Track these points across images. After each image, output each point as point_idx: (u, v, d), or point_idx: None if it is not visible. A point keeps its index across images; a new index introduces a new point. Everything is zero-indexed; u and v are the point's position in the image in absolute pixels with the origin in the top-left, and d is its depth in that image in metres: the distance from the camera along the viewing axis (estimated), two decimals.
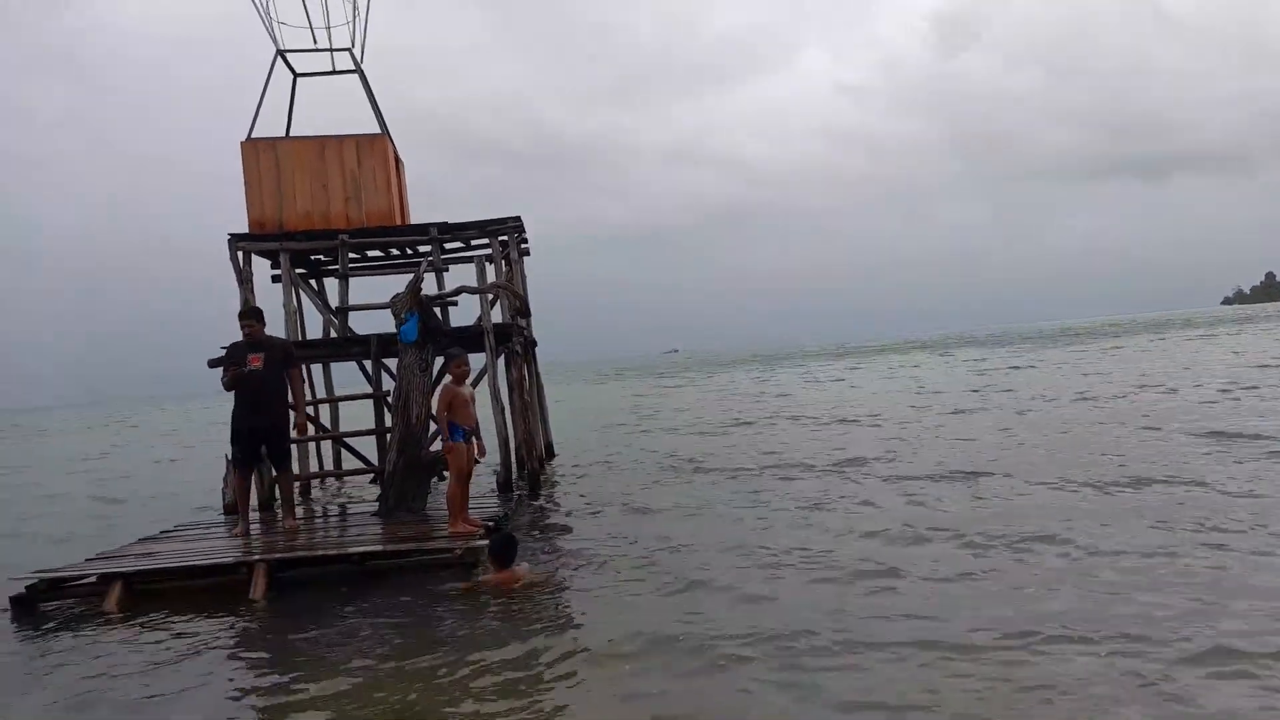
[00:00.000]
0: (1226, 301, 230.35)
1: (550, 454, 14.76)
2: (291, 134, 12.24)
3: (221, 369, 8.49)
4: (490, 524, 8.46)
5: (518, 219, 11.90)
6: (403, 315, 9.35)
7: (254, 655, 5.66)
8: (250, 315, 8.67)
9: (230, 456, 8.84)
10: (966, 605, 5.28)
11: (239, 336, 8.58)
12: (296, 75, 12.63)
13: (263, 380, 8.36)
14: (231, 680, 5.14)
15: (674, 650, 4.86)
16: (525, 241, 13.06)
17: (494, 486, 10.94)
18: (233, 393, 8.41)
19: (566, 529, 8.98)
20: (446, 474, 12.75)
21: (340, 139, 11.72)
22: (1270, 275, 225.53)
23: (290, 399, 8.68)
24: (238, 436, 8.51)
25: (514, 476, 11.22)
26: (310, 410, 12.05)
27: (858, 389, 29.08)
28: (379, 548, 7.71)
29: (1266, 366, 22.21)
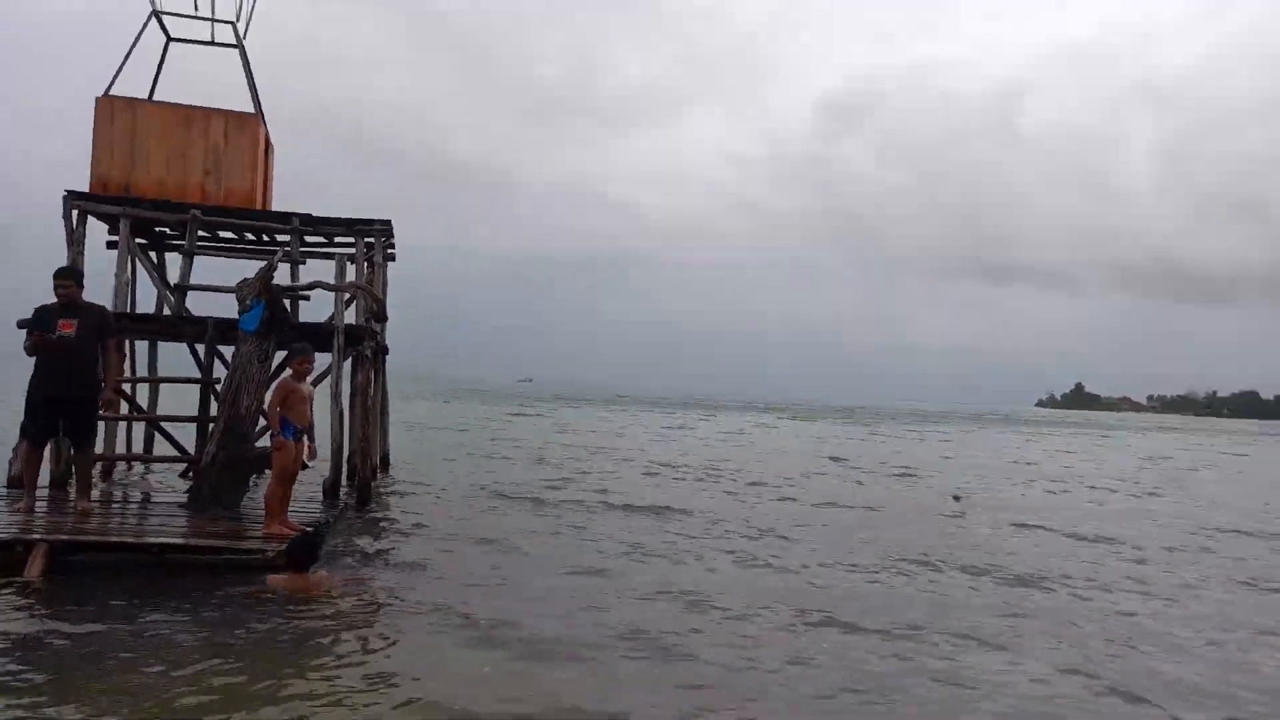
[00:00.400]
0: (1040, 404, 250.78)
1: (385, 466, 14.31)
2: (156, 99, 11.56)
3: (26, 332, 7.78)
4: (309, 529, 8.11)
5: (387, 222, 11.64)
6: (249, 302, 8.92)
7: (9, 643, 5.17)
8: (66, 275, 8.01)
9: (22, 425, 8.06)
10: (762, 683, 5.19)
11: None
12: (170, 39, 11.96)
13: (73, 348, 7.72)
14: None
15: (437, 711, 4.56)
16: (392, 247, 12.77)
17: (320, 492, 10.49)
18: (34, 359, 7.74)
19: (386, 546, 8.67)
20: (269, 472, 12.17)
21: (208, 111, 11.17)
22: (1079, 385, 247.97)
23: (101, 372, 8.05)
24: (34, 406, 7.77)
25: (343, 484, 10.78)
26: (127, 388, 11.24)
27: (704, 440, 29.77)
28: (182, 540, 7.25)
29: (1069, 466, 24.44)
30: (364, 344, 10.75)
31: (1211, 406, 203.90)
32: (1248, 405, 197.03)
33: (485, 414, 41.30)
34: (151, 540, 7.17)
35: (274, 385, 8.02)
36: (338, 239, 11.99)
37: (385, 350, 13.38)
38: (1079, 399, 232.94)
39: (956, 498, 15.16)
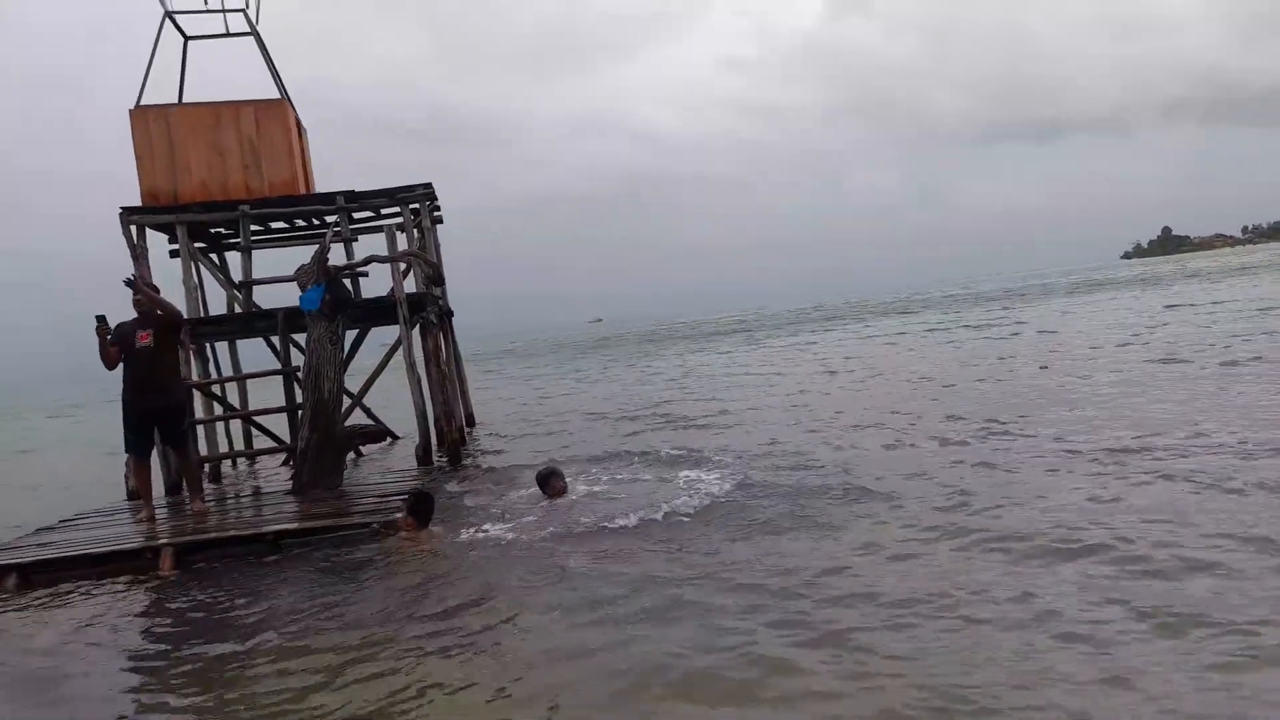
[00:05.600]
0: (1126, 256, 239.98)
1: (471, 423, 14.58)
2: (184, 100, 11.67)
3: (99, 344, 7.90)
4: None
5: (428, 185, 11.61)
6: (308, 287, 9.05)
7: (164, 628, 5.55)
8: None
9: (125, 440, 8.41)
10: None
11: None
12: (187, 38, 12.01)
13: (152, 356, 7.95)
14: (137, 657, 5.04)
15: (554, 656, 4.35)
16: (437, 209, 12.76)
17: (412, 459, 10.75)
18: (122, 374, 8.00)
19: (483, 505, 8.41)
20: (363, 450, 12.52)
21: (237, 105, 11.20)
22: (1166, 229, 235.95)
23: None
24: (129, 419, 8.10)
25: (434, 448, 11.02)
26: (217, 389, 11.62)
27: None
28: (294, 525, 7.52)
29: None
30: (428, 310, 10.83)
31: None
32: None
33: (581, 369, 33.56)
34: (267, 529, 7.45)
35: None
36: (384, 210, 12.03)
37: (450, 313, 13.50)
38: (1168, 243, 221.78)
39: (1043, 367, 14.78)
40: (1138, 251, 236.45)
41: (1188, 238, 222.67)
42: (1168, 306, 26.24)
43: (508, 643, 4.58)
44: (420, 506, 7.10)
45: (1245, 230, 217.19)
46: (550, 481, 7.95)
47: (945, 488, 7.01)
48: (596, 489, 8.20)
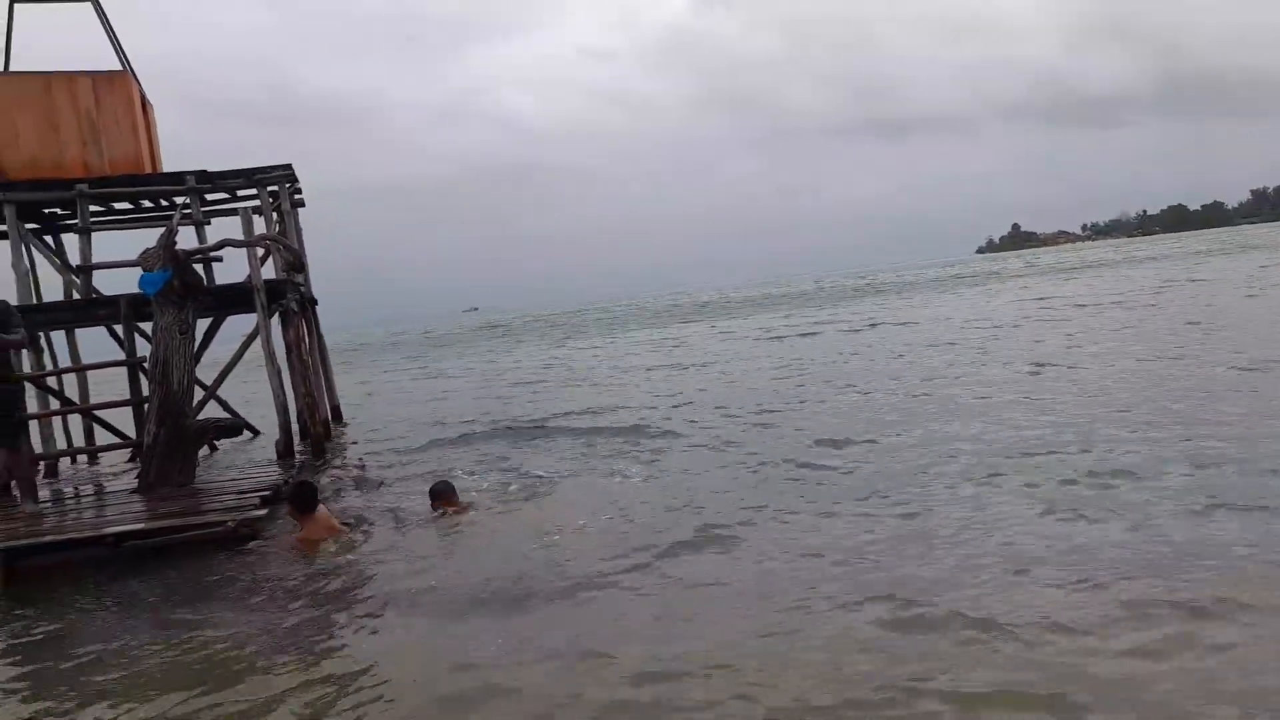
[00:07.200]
0: (980, 250, 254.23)
1: (339, 418, 14.07)
2: (10, 69, 10.72)
3: None
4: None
5: (288, 166, 11.09)
6: (153, 270, 8.50)
7: None
8: None
9: None
10: None
11: None
12: (13, 0, 11.02)
13: None
14: None
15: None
16: (299, 192, 12.22)
17: (273, 454, 10.26)
18: None
19: (357, 501, 8.26)
20: (217, 445, 11.90)
21: (71, 75, 10.38)
22: (1016, 226, 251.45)
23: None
24: None
25: (297, 444, 10.53)
26: (53, 381, 10.80)
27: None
28: (139, 526, 7.05)
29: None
30: (287, 297, 10.35)
31: (1143, 226, 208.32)
32: (1178, 219, 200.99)
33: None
34: (107, 531, 6.95)
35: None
36: (240, 192, 11.42)
37: (314, 301, 12.98)
38: (1017, 239, 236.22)
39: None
40: (990, 247, 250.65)
41: (1035, 234, 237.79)
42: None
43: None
44: (304, 497, 6.73)
45: (1084, 227, 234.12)
46: (440, 498, 7.32)
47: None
48: (487, 504, 7.66)
